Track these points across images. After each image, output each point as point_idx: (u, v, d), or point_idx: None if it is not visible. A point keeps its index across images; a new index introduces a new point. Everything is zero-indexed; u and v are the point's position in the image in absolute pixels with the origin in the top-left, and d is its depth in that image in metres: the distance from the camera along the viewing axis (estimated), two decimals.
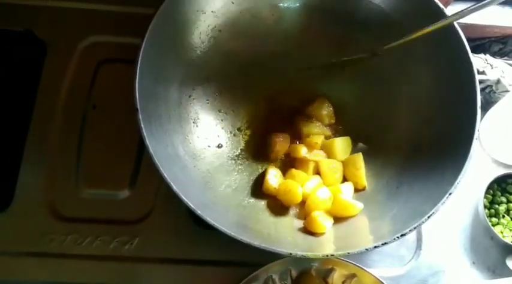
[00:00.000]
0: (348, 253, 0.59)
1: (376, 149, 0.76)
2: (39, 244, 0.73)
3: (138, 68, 0.63)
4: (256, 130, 0.79)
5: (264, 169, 0.76)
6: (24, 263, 0.72)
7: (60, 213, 0.75)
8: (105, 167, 0.79)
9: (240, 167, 0.76)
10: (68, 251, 0.73)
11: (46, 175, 0.77)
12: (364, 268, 0.71)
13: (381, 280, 0.71)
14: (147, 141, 0.60)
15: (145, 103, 0.63)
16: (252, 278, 0.70)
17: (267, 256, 0.69)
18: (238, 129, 0.79)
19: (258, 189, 0.74)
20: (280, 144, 0.77)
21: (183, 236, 0.74)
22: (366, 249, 0.59)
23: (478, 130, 0.62)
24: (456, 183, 0.61)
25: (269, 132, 0.78)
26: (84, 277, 0.72)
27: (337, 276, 0.72)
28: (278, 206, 0.73)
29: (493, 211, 0.91)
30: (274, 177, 0.74)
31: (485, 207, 0.90)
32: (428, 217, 0.60)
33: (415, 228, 0.60)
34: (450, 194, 0.60)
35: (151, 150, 0.60)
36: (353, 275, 0.72)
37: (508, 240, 0.87)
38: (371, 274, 0.71)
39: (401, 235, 0.59)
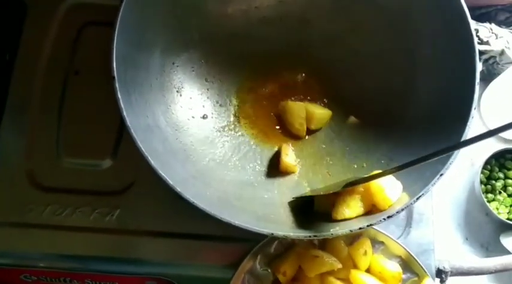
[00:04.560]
0: (332, 234, 0.57)
1: (368, 124, 0.72)
2: (18, 214, 0.71)
3: (116, 31, 0.59)
4: (243, 101, 0.76)
5: (251, 143, 0.73)
6: (1, 233, 0.70)
7: (39, 182, 0.73)
8: (86, 135, 0.76)
9: (225, 139, 0.72)
10: (47, 221, 0.71)
11: (25, 143, 0.75)
12: (394, 239, 0.70)
13: (411, 252, 0.69)
14: (124, 113, 0.57)
15: (123, 70, 0.60)
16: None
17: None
18: (225, 100, 0.75)
19: None
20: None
21: (166, 208, 0.71)
22: (350, 230, 0.56)
23: (475, 109, 0.59)
24: (449, 163, 0.57)
25: (258, 102, 0.75)
26: (63, 248, 0.70)
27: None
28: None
29: (489, 187, 0.89)
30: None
31: (481, 182, 0.88)
32: (417, 198, 0.57)
33: (402, 210, 0.57)
34: (441, 175, 0.57)
35: (128, 122, 0.57)
36: (381, 243, 0.70)
37: (503, 217, 0.86)
38: (400, 244, 0.69)
39: (388, 217, 0.57)
